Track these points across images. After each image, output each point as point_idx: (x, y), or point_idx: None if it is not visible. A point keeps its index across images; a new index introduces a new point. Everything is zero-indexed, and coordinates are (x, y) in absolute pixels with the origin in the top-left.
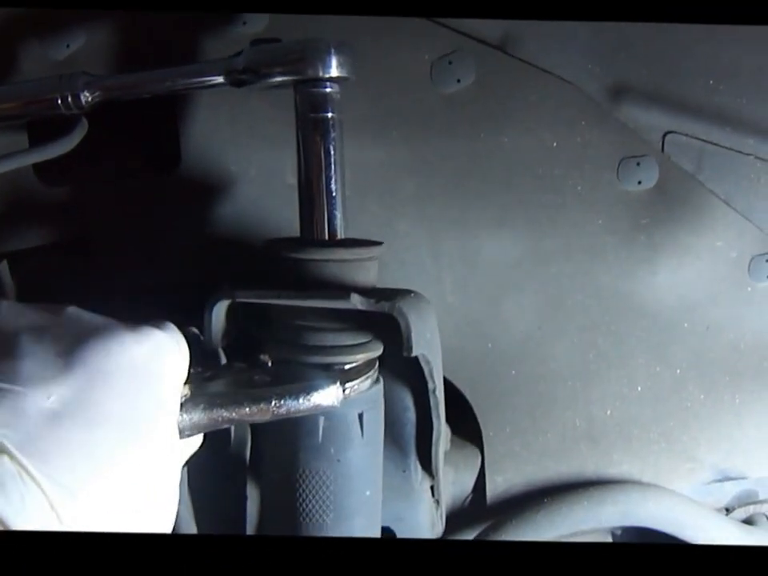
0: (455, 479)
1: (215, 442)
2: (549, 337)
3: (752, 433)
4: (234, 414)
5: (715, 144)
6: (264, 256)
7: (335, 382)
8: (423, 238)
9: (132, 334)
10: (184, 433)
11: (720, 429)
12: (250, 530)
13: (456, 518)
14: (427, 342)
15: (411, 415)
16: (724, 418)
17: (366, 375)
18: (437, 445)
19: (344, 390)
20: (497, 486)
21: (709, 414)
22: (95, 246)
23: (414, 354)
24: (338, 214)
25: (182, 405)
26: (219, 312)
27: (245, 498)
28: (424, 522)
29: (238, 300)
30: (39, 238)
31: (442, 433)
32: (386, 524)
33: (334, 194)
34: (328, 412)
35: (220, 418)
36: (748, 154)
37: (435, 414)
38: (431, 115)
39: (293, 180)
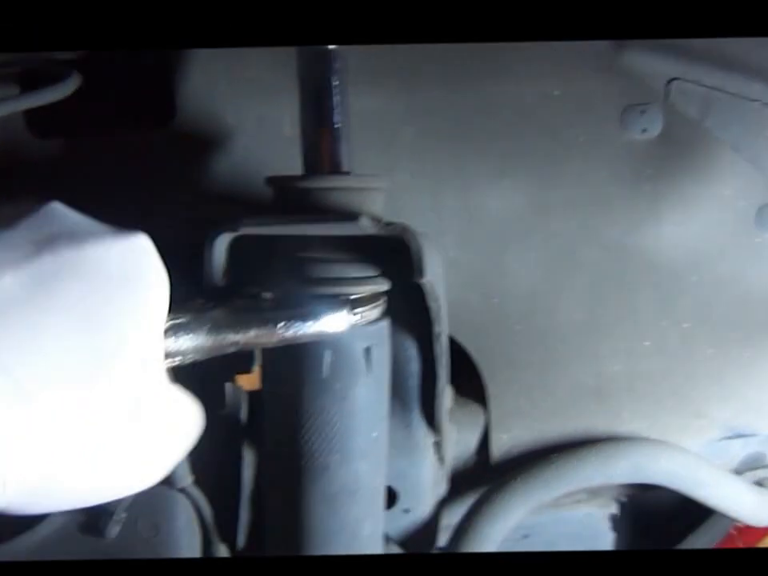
0: (458, 439)
1: (209, 400)
2: (555, 291)
3: (762, 388)
4: (240, 337)
5: (721, 90)
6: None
7: (343, 308)
8: (424, 190)
9: (114, 233)
10: (187, 356)
11: (730, 384)
12: (246, 488)
13: (459, 480)
14: (437, 277)
15: (415, 366)
16: (734, 373)
17: (375, 304)
18: (441, 397)
19: (353, 314)
20: (502, 445)
21: (718, 369)
22: (88, 201)
23: (425, 278)
24: (342, 147)
25: (183, 326)
26: (221, 247)
27: (241, 458)
28: (427, 480)
29: (242, 232)
30: (30, 191)
31: (446, 384)
32: (387, 482)
33: (337, 125)
34: (334, 345)
35: (225, 341)
36: (755, 100)
37: (440, 363)
38: (430, 62)
39: (291, 132)
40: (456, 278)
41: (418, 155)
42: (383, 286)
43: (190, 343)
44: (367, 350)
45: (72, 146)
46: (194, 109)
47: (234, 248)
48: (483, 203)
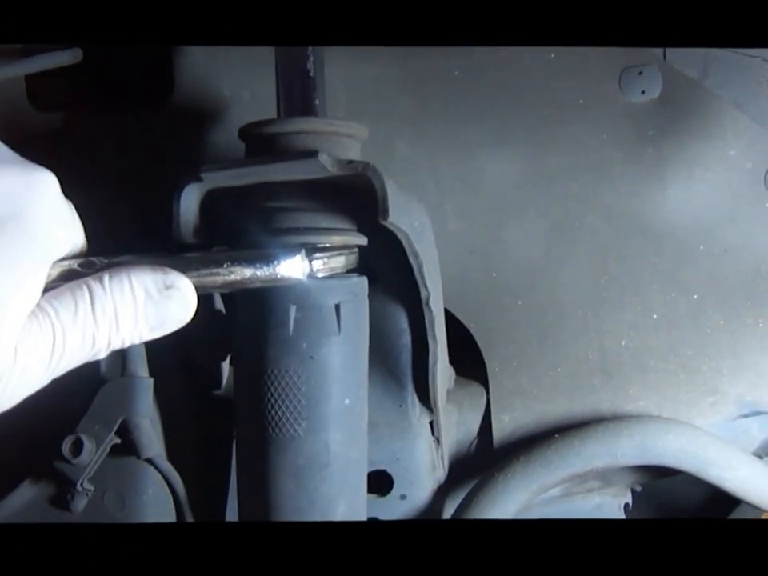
0: (459, 421)
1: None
2: (556, 263)
3: None
4: None
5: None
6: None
7: (299, 253)
8: (423, 160)
9: (16, 161)
10: None
11: (743, 356)
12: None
13: (460, 465)
14: (415, 232)
15: (407, 340)
16: (747, 345)
17: (340, 252)
18: (434, 370)
19: (311, 261)
20: (504, 426)
21: (730, 341)
22: (86, 173)
23: (389, 218)
24: (315, 95)
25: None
26: (189, 199)
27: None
28: (423, 462)
29: (206, 182)
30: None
31: (440, 356)
32: (381, 466)
33: (310, 73)
34: (300, 300)
35: None
36: (755, 56)
37: (431, 333)
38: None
39: None
40: (455, 252)
41: (416, 125)
42: (353, 238)
43: None
44: (337, 307)
45: (72, 120)
46: (191, 83)
47: (206, 208)
48: (482, 172)
